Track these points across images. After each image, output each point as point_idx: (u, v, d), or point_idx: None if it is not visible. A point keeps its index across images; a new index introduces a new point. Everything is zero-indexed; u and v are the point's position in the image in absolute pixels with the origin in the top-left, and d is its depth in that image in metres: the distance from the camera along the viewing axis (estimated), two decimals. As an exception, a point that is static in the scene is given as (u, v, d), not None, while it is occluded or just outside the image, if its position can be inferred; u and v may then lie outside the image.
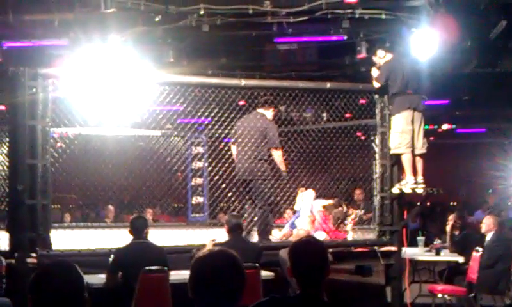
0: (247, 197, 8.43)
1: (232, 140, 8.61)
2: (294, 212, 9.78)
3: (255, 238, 8.24)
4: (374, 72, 8.71)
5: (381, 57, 8.66)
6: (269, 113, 8.46)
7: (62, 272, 2.71)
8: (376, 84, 8.59)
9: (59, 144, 8.41)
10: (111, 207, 11.94)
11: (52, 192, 7.55)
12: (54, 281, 2.66)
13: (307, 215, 9.24)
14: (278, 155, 8.30)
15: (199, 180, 11.29)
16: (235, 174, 8.52)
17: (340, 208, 9.15)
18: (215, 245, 6.73)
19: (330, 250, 7.21)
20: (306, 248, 3.30)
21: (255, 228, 8.31)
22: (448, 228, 9.88)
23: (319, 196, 9.58)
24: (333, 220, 8.98)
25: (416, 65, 8.62)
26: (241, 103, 8.91)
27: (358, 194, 10.90)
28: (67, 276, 2.69)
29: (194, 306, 2.55)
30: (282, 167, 8.35)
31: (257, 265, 6.78)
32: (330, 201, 9.28)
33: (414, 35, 8.91)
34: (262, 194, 8.24)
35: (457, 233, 10.05)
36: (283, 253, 7.30)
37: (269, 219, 8.45)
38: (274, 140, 8.26)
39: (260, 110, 8.45)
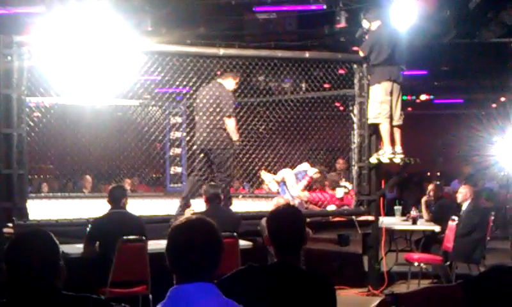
0: (205, 167, 8.37)
1: (193, 111, 8.55)
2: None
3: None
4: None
5: (368, 26, 8.61)
6: (227, 82, 8.28)
7: (37, 241, 2.69)
8: (361, 53, 8.60)
9: (35, 114, 8.31)
10: (88, 177, 11.87)
11: (29, 162, 7.48)
12: (29, 250, 2.64)
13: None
14: (230, 124, 8.12)
15: (177, 150, 11.24)
16: (194, 143, 8.47)
17: (333, 173, 9.21)
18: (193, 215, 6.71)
19: (308, 220, 7.26)
20: (284, 216, 3.30)
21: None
22: (423, 200, 9.95)
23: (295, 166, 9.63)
24: (330, 184, 9.04)
25: (397, 35, 8.62)
26: (220, 73, 8.84)
27: (340, 163, 10.88)
28: (42, 244, 2.68)
29: (172, 276, 2.53)
30: (234, 136, 8.18)
31: (235, 234, 6.79)
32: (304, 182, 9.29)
33: (393, 4, 8.88)
34: (221, 164, 8.17)
35: (433, 203, 10.13)
36: (265, 222, 7.31)
37: (228, 190, 8.36)
38: (227, 108, 8.09)
39: (218, 79, 8.35)
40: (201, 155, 8.29)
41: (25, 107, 7.13)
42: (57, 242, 2.73)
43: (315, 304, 3.14)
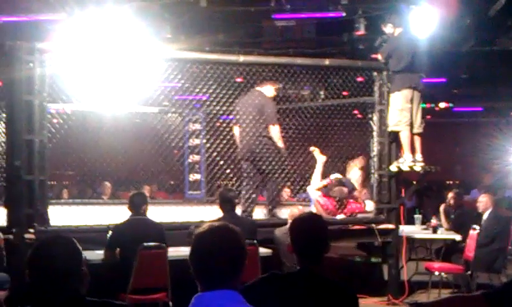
0: (245, 174, 8.40)
1: (234, 121, 8.58)
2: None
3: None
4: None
5: (392, 31, 8.58)
6: (266, 90, 8.39)
7: (60, 246, 2.69)
8: (379, 57, 8.58)
9: (55, 120, 8.35)
10: (107, 184, 11.91)
11: (49, 168, 7.51)
12: (51, 256, 2.64)
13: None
14: (275, 132, 8.24)
15: (196, 157, 11.25)
16: (238, 153, 8.51)
17: (338, 188, 9.07)
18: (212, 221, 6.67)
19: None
20: (307, 224, 3.31)
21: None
22: (441, 208, 9.89)
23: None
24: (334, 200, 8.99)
25: (417, 42, 8.57)
26: (239, 80, 8.86)
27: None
28: (65, 250, 2.67)
29: (193, 283, 2.52)
30: (280, 143, 8.31)
31: (255, 241, 6.73)
32: (324, 182, 9.23)
33: (413, 12, 8.83)
34: (270, 170, 8.22)
35: (453, 211, 10.07)
36: (278, 232, 7.30)
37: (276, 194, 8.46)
38: (272, 116, 8.20)
39: (257, 87, 8.40)
40: (247, 163, 8.32)
41: (46, 113, 7.17)
42: (79, 247, 2.73)
43: (338, 312, 3.12)
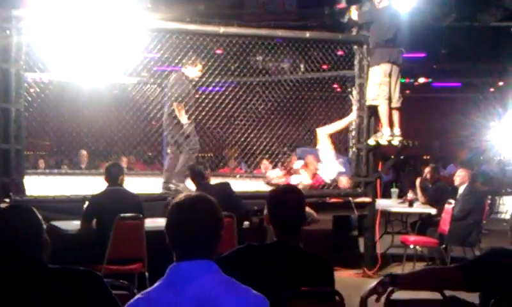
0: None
1: None
2: None
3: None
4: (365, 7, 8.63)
5: (378, 1, 8.49)
6: (189, 70, 8.19)
7: (18, 215, 2.70)
8: (354, 15, 8.52)
9: (32, 89, 8.25)
10: (83, 152, 11.80)
11: (26, 137, 7.44)
12: (11, 224, 2.65)
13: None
14: (177, 109, 8.06)
15: (175, 129, 11.16)
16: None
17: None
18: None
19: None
20: (284, 196, 3.30)
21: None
22: (417, 182, 9.98)
23: (295, 146, 9.61)
24: None
25: (400, 17, 8.54)
26: (219, 51, 8.80)
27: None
28: (24, 218, 2.68)
29: (170, 253, 2.52)
30: (182, 119, 8.08)
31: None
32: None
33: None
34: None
35: (430, 186, 10.17)
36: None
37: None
38: (175, 95, 8.05)
39: (182, 68, 8.25)
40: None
41: (23, 82, 7.09)
42: (39, 215, 2.73)
43: (314, 283, 3.14)
